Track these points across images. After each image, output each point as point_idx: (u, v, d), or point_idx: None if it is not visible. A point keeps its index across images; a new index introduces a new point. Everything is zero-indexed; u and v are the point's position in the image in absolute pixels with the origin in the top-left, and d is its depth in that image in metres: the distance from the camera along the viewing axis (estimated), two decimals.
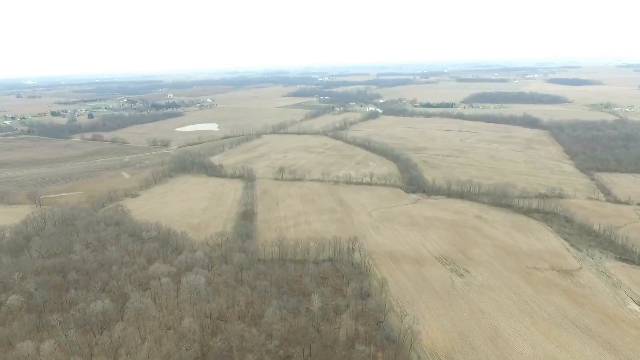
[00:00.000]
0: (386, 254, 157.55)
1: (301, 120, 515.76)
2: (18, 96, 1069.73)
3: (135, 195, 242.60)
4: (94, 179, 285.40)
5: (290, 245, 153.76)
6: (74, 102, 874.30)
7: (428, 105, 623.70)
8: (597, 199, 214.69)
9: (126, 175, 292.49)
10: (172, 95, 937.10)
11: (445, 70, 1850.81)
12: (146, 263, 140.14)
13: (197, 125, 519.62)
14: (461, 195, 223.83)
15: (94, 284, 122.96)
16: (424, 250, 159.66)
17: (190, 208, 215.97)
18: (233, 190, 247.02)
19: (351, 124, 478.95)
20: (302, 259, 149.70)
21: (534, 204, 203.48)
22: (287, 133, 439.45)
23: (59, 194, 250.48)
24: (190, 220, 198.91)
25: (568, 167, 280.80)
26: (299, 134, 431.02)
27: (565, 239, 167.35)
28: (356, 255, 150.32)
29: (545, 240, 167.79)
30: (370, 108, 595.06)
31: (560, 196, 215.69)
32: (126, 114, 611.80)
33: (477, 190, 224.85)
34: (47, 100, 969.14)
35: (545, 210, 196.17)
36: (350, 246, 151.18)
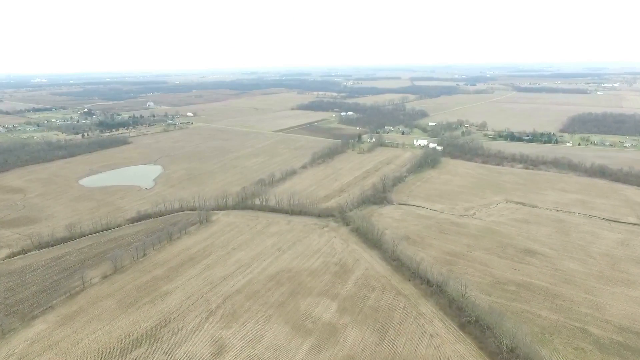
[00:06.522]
0: None
1: (302, 167, 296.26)
2: None
3: None
4: None
5: None
6: (26, 111, 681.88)
7: (514, 137, 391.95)
8: None
9: None
10: (152, 104, 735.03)
11: (488, 75, 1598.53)
12: None
13: (114, 172, 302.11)
14: None
15: None
16: None
17: None
18: None
19: (394, 181, 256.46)
20: None
21: None
22: (258, 209, 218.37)
23: None
24: None
25: None
26: (288, 220, 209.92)
27: None
28: None
29: None
30: (420, 141, 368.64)
31: None
32: (52, 138, 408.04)
33: None
34: (6, 106, 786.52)
35: None
36: None
